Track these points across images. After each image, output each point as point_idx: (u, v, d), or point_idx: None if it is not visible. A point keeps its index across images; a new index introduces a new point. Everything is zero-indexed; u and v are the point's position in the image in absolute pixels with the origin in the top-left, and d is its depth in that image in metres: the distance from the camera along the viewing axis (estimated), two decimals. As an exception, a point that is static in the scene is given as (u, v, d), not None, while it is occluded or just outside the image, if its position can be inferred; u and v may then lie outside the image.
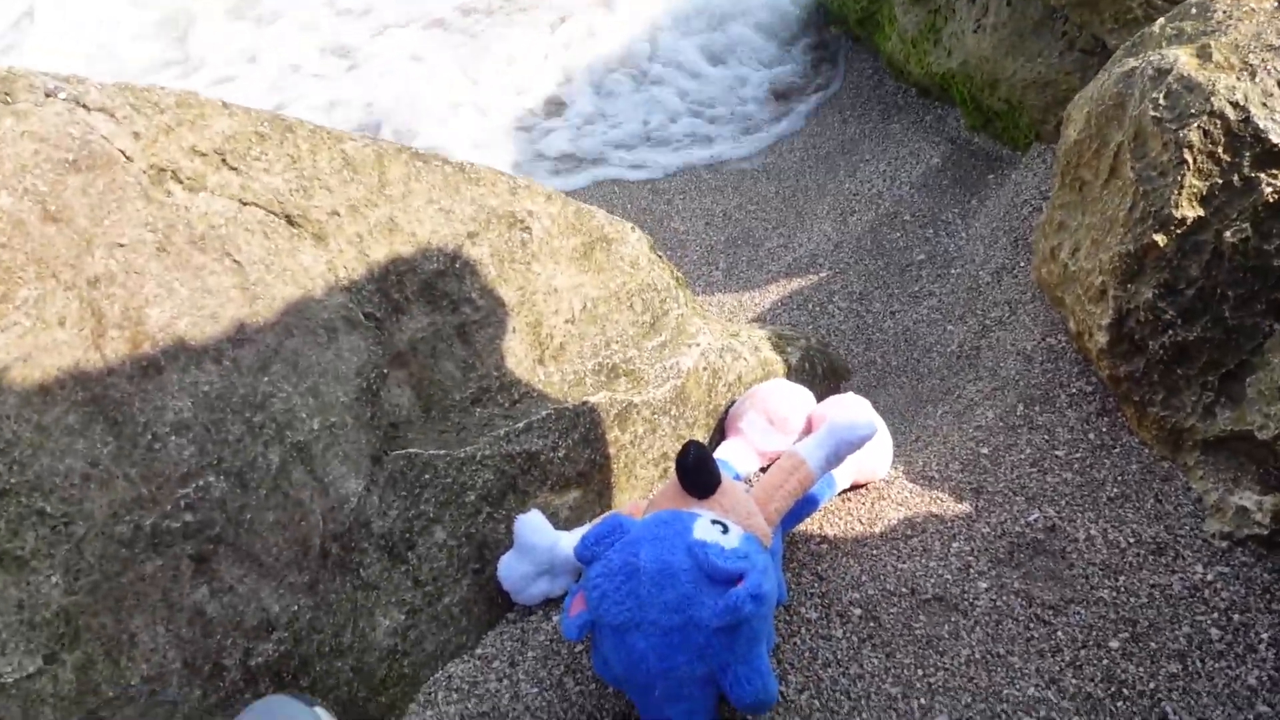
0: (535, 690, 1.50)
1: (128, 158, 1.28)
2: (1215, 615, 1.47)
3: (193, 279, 1.33)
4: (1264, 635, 1.43)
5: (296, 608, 1.35)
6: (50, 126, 1.23)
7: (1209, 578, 1.52)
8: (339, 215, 1.51)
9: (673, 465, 1.90)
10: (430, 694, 1.50)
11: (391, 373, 1.56)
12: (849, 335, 2.75)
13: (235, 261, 1.38)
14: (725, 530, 1.36)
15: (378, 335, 1.54)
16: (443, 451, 1.58)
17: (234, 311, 1.36)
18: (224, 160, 1.41)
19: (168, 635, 1.20)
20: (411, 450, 1.56)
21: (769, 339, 2.31)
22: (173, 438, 1.25)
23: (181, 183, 1.35)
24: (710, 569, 1.28)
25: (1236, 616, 1.46)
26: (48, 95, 1.25)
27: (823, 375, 2.41)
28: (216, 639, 1.25)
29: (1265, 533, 1.54)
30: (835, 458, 1.59)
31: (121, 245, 1.25)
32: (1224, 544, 1.57)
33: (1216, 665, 1.41)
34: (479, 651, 1.57)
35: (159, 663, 1.19)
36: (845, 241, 3.13)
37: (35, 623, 1.11)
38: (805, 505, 1.69)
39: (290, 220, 1.46)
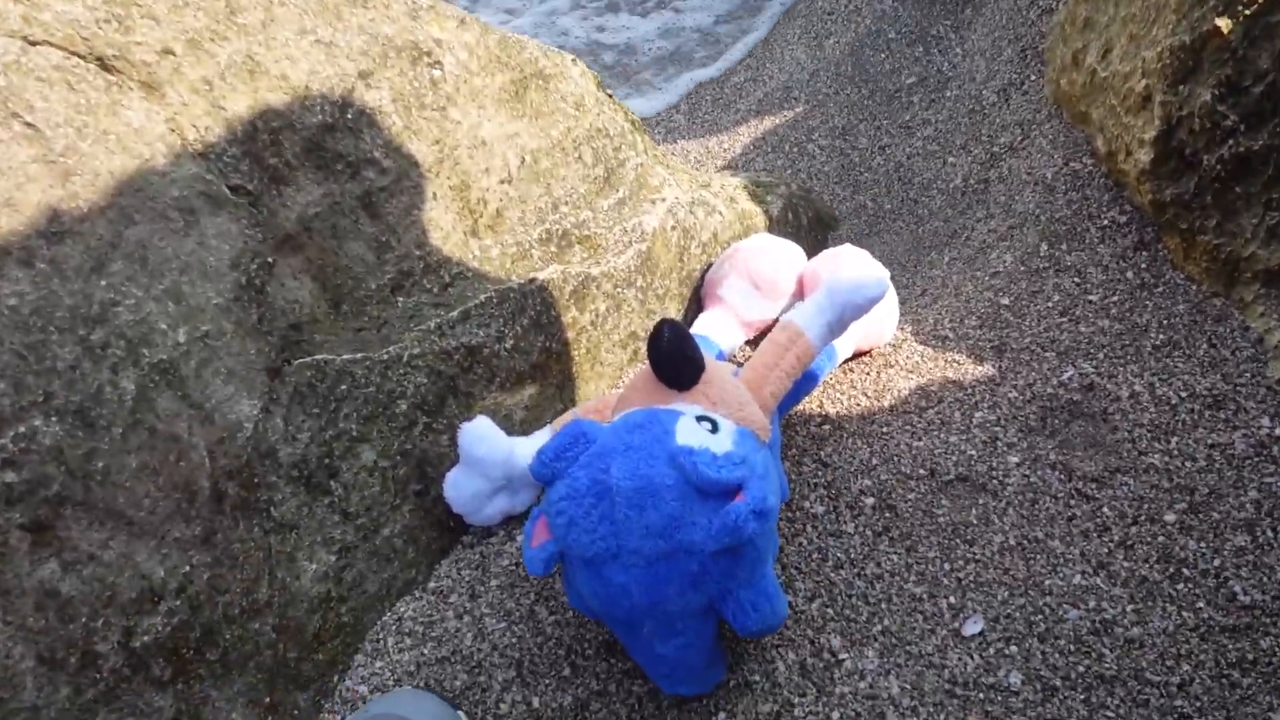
0: (503, 625, 1.27)
1: None
2: (1289, 476, 1.26)
3: (-31, 154, 0.96)
4: (1344, 494, 1.23)
5: (189, 568, 1.07)
6: None
7: (1277, 432, 1.31)
8: (174, 55, 1.13)
9: (644, 346, 1.62)
10: (379, 641, 1.27)
11: (280, 261, 1.23)
12: (833, 177, 2.42)
13: (29, 125, 1.01)
14: (715, 429, 1.10)
15: (254, 214, 1.20)
16: (361, 355, 1.28)
17: (40, 195, 1.01)
18: (-9, -17, 1.01)
19: (7, 629, 0.93)
20: (320, 357, 1.25)
21: (745, 188, 1.98)
22: (-28, 374, 0.93)
23: (-75, 16, 0.96)
24: (701, 481, 1.02)
25: (1314, 476, 1.25)
26: None
27: (808, 226, 2.10)
28: (82, 622, 0.98)
29: (1344, 375, 1.32)
30: (839, 324, 1.31)
31: None
32: (1293, 391, 1.35)
33: (1294, 535, 1.21)
34: (432, 586, 1.33)
35: (0, 664, 0.92)
36: (822, 69, 2.73)
37: None
38: (804, 383, 1.43)
39: (104, 64, 1.08)
